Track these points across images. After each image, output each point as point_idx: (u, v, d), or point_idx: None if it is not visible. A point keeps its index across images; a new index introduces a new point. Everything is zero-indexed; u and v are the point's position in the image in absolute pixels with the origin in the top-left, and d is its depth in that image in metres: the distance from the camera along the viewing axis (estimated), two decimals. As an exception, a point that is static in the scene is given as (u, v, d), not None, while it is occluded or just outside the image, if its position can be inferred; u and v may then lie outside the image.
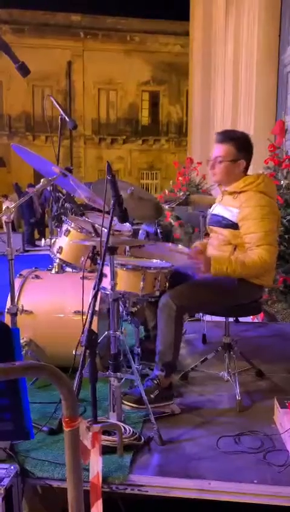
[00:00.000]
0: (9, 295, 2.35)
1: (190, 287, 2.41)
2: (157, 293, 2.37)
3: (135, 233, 4.23)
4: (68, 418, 1.02)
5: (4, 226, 2.18)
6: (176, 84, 23.84)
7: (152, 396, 2.25)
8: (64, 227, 2.78)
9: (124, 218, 2.04)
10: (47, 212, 13.76)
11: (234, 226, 2.46)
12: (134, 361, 2.38)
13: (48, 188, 2.68)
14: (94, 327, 2.04)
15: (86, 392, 1.94)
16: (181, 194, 6.13)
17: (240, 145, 2.49)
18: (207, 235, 2.84)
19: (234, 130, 2.59)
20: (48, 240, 3.05)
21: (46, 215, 13.97)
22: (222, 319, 2.69)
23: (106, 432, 1.95)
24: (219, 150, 2.50)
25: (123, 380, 2.12)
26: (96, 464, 1.38)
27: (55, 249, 2.82)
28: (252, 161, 2.60)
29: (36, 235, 14.03)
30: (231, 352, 2.62)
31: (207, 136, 10.68)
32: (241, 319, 3.86)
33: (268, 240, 2.35)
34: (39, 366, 0.97)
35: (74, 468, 1.04)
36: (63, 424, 1.04)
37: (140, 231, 4.63)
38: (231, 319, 2.73)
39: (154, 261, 2.59)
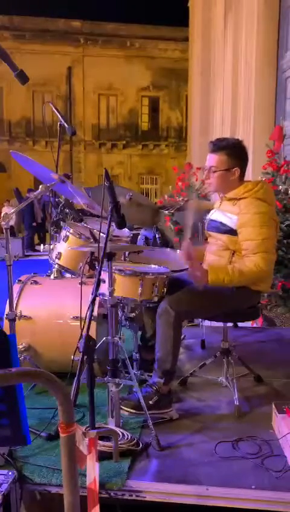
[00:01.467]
0: (7, 301, 2.36)
1: (188, 293, 2.42)
2: (155, 299, 2.38)
3: (134, 239, 4.25)
4: (64, 423, 1.03)
5: (4, 231, 2.19)
6: (176, 89, 23.93)
7: (151, 402, 2.26)
8: (63, 233, 2.79)
9: (121, 224, 2.05)
10: (47, 217, 13.78)
11: (232, 232, 2.47)
12: (132, 367, 2.38)
13: (47, 193, 2.69)
14: (92, 333, 2.04)
15: (85, 398, 1.94)
16: (181, 199, 6.15)
17: (233, 153, 2.49)
18: (206, 240, 2.85)
19: (227, 138, 2.59)
20: (47, 245, 3.06)
21: (46, 219, 14.00)
22: (221, 324, 2.70)
23: (104, 438, 1.96)
24: (212, 159, 2.51)
25: (121, 385, 2.12)
26: (93, 470, 1.38)
27: (54, 255, 2.83)
28: (251, 166, 2.61)
29: (36, 240, 14.05)
30: (230, 358, 2.62)
31: (206, 141, 10.68)
32: (240, 324, 3.86)
33: (265, 247, 2.36)
34: (35, 372, 0.98)
35: (70, 474, 1.05)
36: (59, 429, 1.05)
37: (139, 236, 4.64)
38: (229, 324, 2.73)
39: (153, 266, 2.60)
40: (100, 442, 1.90)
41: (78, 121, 22.93)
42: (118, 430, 2.01)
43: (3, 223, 2.13)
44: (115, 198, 1.99)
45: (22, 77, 2.14)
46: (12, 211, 2.24)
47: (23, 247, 11.63)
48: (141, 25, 23.12)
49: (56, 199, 3.23)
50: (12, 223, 2.17)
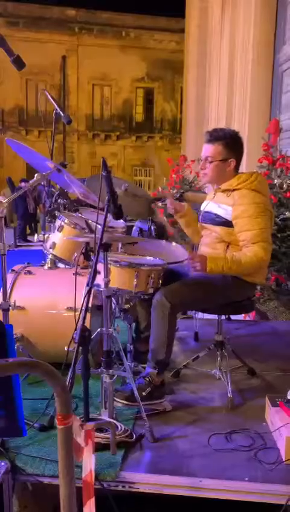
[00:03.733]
0: (1, 290, 2.34)
1: (183, 285, 2.41)
2: (150, 291, 2.37)
3: (128, 231, 4.23)
4: (61, 415, 1.01)
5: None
6: (171, 81, 23.79)
7: (144, 393, 2.26)
8: (58, 223, 2.76)
9: (118, 215, 2.03)
10: (39, 207, 13.70)
11: (227, 223, 2.46)
12: (126, 359, 2.37)
13: (42, 182, 2.66)
14: (87, 324, 2.03)
15: (78, 388, 1.93)
16: (175, 191, 6.12)
17: (229, 144, 2.48)
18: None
19: (223, 128, 2.57)
20: (40, 235, 3.03)
21: (38, 210, 13.91)
22: (214, 316, 2.70)
23: (97, 429, 1.95)
24: (208, 150, 2.50)
25: (115, 377, 2.11)
26: (89, 462, 1.38)
27: (48, 245, 2.80)
28: (245, 159, 2.60)
29: (28, 230, 13.96)
30: (223, 350, 2.62)
31: (201, 133, 10.65)
32: (233, 317, 3.86)
33: (263, 237, 2.36)
34: (33, 363, 0.96)
35: (67, 466, 1.04)
36: (56, 421, 1.04)
37: (133, 228, 4.62)
38: (223, 317, 2.73)
39: (148, 258, 2.59)
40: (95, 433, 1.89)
41: (72, 110, 22.69)
42: (113, 422, 2.01)
43: (-3, 211, 2.09)
44: (112, 189, 1.97)
45: (19, 63, 2.10)
46: (6, 200, 2.20)
47: (15, 237, 11.56)
48: (137, 15, 22.89)
49: (50, 188, 3.20)
50: (4, 212, 2.14)
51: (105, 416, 2.07)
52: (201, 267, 2.31)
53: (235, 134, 2.52)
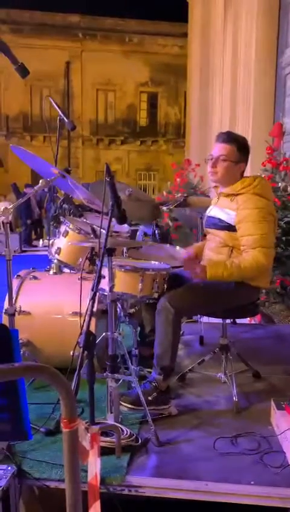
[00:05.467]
0: (7, 296, 2.35)
1: (187, 290, 2.42)
2: (155, 295, 2.38)
3: (133, 235, 4.24)
4: (67, 419, 1.02)
5: (2, 226, 2.18)
6: (174, 85, 23.85)
7: (150, 398, 2.26)
8: (63, 228, 2.78)
9: (123, 220, 2.04)
10: (42, 213, 13.77)
11: (230, 228, 2.47)
12: (131, 363, 2.38)
13: (45, 188, 2.69)
14: (92, 328, 2.04)
15: (84, 393, 1.94)
16: (179, 195, 6.14)
17: (241, 148, 2.51)
18: (205, 236, 2.84)
19: (236, 133, 2.62)
20: (45, 240, 3.05)
21: (41, 215, 13.98)
22: (219, 320, 2.70)
23: (103, 433, 1.96)
24: (223, 149, 2.50)
25: (121, 381, 2.12)
26: (94, 465, 1.38)
27: (53, 250, 2.82)
28: (249, 163, 2.62)
29: (33, 235, 14.02)
30: (228, 354, 2.62)
31: (205, 137, 10.69)
32: (238, 321, 3.86)
33: (264, 242, 2.36)
34: (38, 367, 0.97)
35: (73, 469, 1.04)
36: (62, 425, 1.05)
37: (138, 232, 4.63)
38: (228, 321, 2.73)
39: (153, 262, 2.60)
40: (100, 437, 1.90)
41: (76, 116, 22.81)
42: (118, 425, 2.01)
43: (3, 217, 2.12)
44: (116, 194, 1.98)
45: (23, 70, 2.13)
46: (12, 205, 2.23)
47: (21, 242, 11.61)
48: (140, 20, 23.00)
49: (54, 194, 3.22)
50: (10, 218, 2.16)
51: (111, 421, 2.08)
52: (201, 275, 2.32)
53: (246, 141, 2.57)
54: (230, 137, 2.52)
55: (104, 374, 2.09)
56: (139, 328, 2.82)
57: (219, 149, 2.51)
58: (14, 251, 2.21)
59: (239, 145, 2.50)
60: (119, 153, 24.27)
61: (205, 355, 2.76)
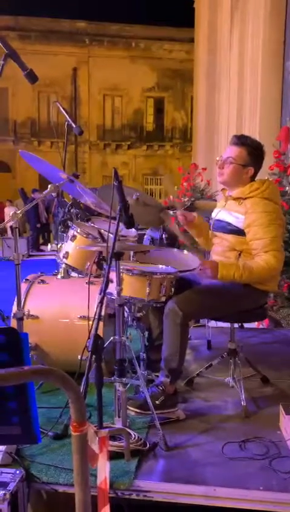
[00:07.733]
0: (15, 300, 2.37)
1: (195, 293, 2.41)
2: (163, 299, 2.38)
3: (140, 239, 4.25)
4: (76, 422, 1.02)
5: (9, 231, 2.19)
6: (181, 90, 23.94)
7: (157, 402, 2.25)
8: (71, 232, 2.79)
9: (130, 224, 2.05)
10: (49, 217, 13.84)
11: (239, 231, 2.47)
12: (139, 367, 2.38)
13: (52, 193, 2.71)
14: (100, 332, 2.04)
15: (92, 397, 1.94)
16: (186, 199, 6.14)
17: (253, 152, 2.51)
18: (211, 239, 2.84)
19: (250, 137, 2.61)
20: (53, 244, 3.06)
21: (49, 219, 14.05)
22: (227, 324, 2.69)
23: (111, 437, 1.96)
24: (231, 151, 2.52)
25: (128, 385, 2.12)
26: (103, 469, 1.38)
27: (61, 254, 2.83)
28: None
29: (40, 240, 14.09)
30: (236, 358, 2.61)
31: (212, 142, 10.71)
32: (246, 325, 3.85)
33: (275, 245, 2.36)
34: (48, 370, 0.98)
35: (82, 473, 1.05)
36: (71, 428, 1.05)
37: (145, 236, 4.64)
38: (236, 325, 2.73)
39: (160, 266, 2.60)
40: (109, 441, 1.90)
41: (83, 121, 22.97)
42: (126, 429, 2.01)
43: (11, 222, 2.13)
44: (123, 198, 1.99)
45: (32, 77, 2.15)
46: (20, 210, 2.24)
47: (28, 247, 11.67)
48: (146, 26, 23.15)
49: (62, 199, 3.24)
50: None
51: (119, 425, 2.08)
52: (212, 273, 2.32)
53: (260, 146, 2.57)
54: (241, 141, 2.53)
55: (112, 378, 2.09)
56: (147, 332, 2.82)
57: (229, 151, 2.53)
58: (22, 255, 2.22)
59: (250, 149, 2.51)
60: (126, 157, 24.37)
61: (213, 359, 2.75)
